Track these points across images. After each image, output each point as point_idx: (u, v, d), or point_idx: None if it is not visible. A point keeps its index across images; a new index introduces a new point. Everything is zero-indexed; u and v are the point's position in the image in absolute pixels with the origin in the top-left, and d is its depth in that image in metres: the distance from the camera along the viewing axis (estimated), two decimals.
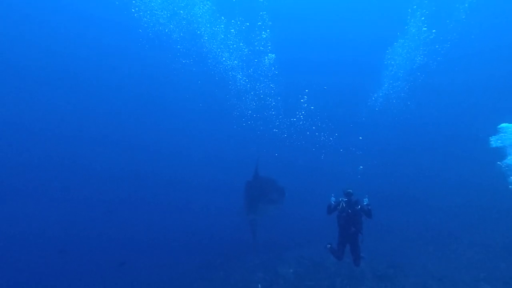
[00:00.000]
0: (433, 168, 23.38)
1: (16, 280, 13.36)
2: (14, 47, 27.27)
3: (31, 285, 13.15)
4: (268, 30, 17.16)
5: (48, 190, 23.71)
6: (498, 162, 9.01)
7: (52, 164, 26.79)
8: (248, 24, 17.14)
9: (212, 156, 31.65)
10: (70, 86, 30.66)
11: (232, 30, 16.82)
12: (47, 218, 19.90)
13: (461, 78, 34.26)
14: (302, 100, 18.28)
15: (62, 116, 30.18)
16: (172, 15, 17.26)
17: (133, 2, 16.91)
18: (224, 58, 17.33)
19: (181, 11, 16.86)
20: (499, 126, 9.12)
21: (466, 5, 19.04)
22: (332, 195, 7.24)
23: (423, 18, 16.90)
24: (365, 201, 7.00)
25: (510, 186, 8.58)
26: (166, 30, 18.10)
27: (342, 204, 7.02)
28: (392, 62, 18.93)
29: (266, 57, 17.28)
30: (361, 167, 16.00)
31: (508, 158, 8.90)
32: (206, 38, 17.04)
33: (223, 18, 16.71)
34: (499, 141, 9.04)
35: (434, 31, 17.57)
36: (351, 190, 7.08)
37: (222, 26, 16.65)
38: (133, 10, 17.06)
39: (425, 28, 17.10)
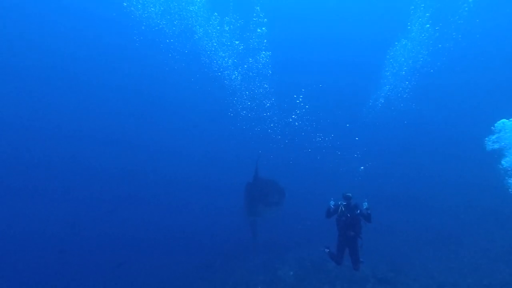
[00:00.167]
0: (434, 169, 23.28)
1: (17, 280, 13.42)
2: (4, 46, 26.69)
3: (31, 285, 13.20)
4: (263, 28, 16.71)
5: (48, 190, 23.70)
6: (498, 165, 8.86)
7: (52, 164, 26.77)
8: (242, 22, 16.68)
9: (212, 156, 31.59)
10: (62, 83, 29.87)
11: (227, 28, 16.36)
12: (47, 218, 19.94)
13: (463, 79, 34.11)
14: (298, 101, 18.14)
15: (59, 115, 29.85)
16: (165, 11, 16.74)
17: None
18: (217, 56, 16.75)
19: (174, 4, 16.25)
20: (497, 123, 8.84)
21: (466, 7, 18.94)
22: (331, 198, 7.13)
23: (427, 14, 16.62)
24: (365, 205, 6.83)
25: (510, 190, 8.43)
26: (159, 27, 17.60)
27: (341, 208, 6.91)
28: (391, 61, 18.80)
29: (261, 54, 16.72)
30: (362, 167, 15.97)
31: (507, 159, 8.72)
32: (199, 35, 16.53)
33: (216, 14, 16.28)
34: (497, 143, 8.83)
35: (437, 28, 17.38)
36: (350, 194, 6.95)
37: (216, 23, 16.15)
38: (124, 4, 16.56)
39: (428, 25, 16.89)
